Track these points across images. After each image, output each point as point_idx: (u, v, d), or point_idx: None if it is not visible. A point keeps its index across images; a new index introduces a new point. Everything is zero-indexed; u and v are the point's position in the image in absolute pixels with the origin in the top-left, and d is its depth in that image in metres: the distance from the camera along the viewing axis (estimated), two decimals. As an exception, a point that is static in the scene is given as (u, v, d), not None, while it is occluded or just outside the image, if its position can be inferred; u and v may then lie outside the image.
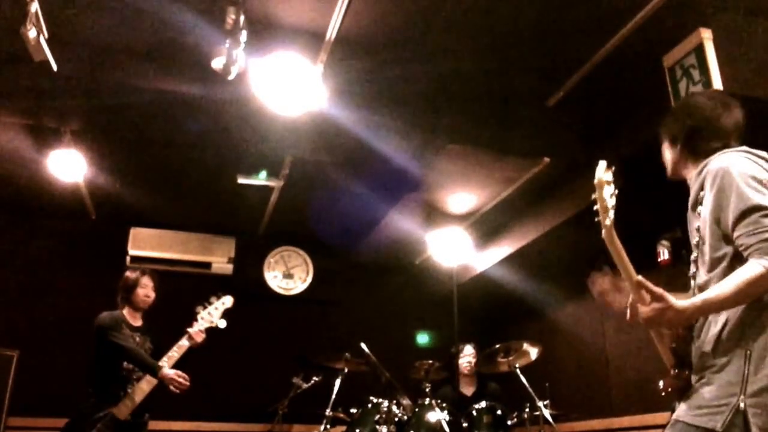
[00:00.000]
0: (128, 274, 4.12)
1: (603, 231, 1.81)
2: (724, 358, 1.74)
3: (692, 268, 1.95)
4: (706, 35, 3.22)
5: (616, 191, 1.82)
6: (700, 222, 1.87)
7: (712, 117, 2.01)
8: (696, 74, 3.25)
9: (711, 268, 1.84)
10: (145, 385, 3.76)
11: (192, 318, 4.02)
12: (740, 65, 3.26)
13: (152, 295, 4.08)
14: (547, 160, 4.42)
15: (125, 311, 4.03)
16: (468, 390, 5.15)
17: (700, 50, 3.23)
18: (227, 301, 4.12)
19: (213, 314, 4.03)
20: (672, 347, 1.99)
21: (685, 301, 1.76)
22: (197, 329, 3.94)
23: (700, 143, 2.00)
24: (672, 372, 1.98)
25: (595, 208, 1.82)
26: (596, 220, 1.82)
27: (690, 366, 1.89)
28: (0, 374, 4.80)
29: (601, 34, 3.46)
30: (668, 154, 2.10)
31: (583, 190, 1.85)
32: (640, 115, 3.87)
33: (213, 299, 4.10)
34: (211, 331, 4.12)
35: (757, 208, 1.71)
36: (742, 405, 1.66)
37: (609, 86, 3.83)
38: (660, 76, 3.46)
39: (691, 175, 1.99)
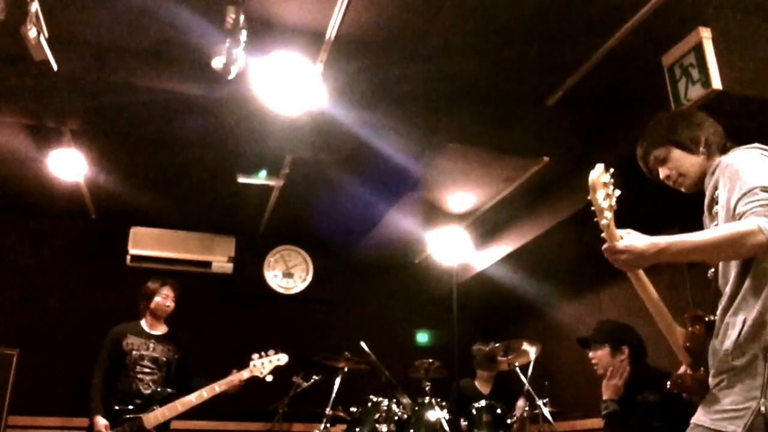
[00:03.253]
0: (149, 283, 4.31)
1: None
2: (744, 360, 1.72)
3: (710, 270, 1.94)
4: (706, 34, 3.23)
5: (617, 192, 1.81)
6: (718, 221, 1.86)
7: (712, 119, 2.04)
8: (695, 73, 3.25)
9: (729, 263, 1.84)
10: (180, 406, 3.96)
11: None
12: (739, 64, 3.26)
13: (171, 305, 4.28)
14: (546, 159, 4.43)
15: (145, 319, 4.25)
16: (485, 388, 5.20)
17: (699, 49, 3.23)
18: (282, 358, 4.28)
19: (265, 366, 4.18)
20: (686, 346, 1.97)
21: (649, 239, 1.76)
22: (244, 376, 4.11)
23: (718, 140, 2.01)
24: (687, 371, 1.98)
25: (591, 208, 1.83)
26: (594, 220, 1.84)
27: (704, 364, 1.88)
28: (0, 373, 4.79)
29: (600, 33, 3.46)
30: (687, 162, 2.04)
31: (582, 190, 1.85)
32: (639, 114, 3.87)
33: (270, 352, 4.25)
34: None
35: (758, 186, 1.72)
36: (762, 408, 1.64)
37: (608, 86, 3.84)
38: (659, 76, 3.47)
39: (706, 177, 1.97)
